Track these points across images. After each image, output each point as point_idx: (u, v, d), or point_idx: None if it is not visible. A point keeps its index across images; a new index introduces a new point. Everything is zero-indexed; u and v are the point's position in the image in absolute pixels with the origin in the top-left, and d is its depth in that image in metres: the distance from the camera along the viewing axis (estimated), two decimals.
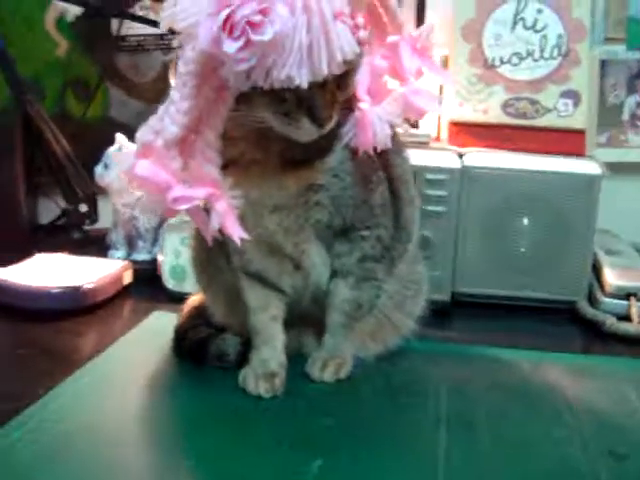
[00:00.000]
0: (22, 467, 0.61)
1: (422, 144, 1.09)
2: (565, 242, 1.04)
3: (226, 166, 0.67)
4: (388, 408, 0.75)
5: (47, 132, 1.30)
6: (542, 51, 1.14)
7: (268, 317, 0.79)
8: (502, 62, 1.14)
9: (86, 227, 1.35)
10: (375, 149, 0.72)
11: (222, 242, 0.70)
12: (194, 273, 0.88)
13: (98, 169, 1.20)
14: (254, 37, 0.56)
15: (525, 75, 1.14)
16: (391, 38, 0.71)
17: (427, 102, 0.72)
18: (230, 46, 0.57)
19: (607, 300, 1.02)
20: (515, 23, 1.14)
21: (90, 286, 1.01)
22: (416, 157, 0.91)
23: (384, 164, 0.78)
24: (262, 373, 0.76)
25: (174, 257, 1.08)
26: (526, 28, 1.14)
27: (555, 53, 1.13)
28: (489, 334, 0.98)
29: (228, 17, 0.56)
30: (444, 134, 1.19)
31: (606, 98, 1.29)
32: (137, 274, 1.14)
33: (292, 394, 0.76)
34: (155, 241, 1.20)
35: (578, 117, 1.13)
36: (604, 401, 0.78)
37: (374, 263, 0.79)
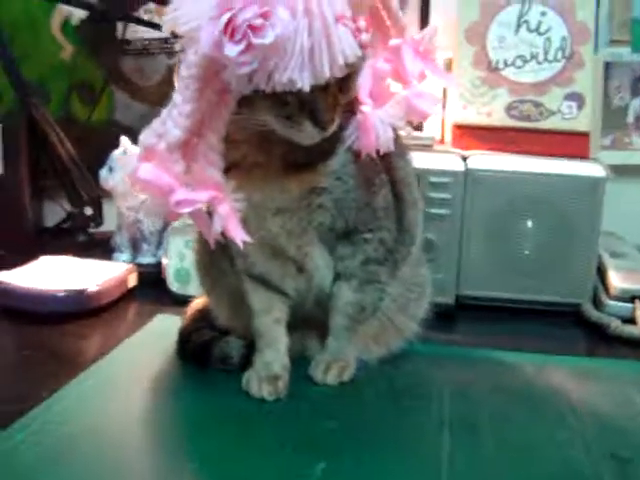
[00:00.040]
0: (25, 469, 0.61)
1: (426, 147, 1.09)
2: (569, 245, 1.04)
3: (228, 169, 0.67)
4: (391, 411, 0.75)
5: (52, 135, 1.31)
6: (546, 53, 1.13)
7: (271, 320, 0.79)
8: (506, 65, 1.14)
9: (91, 230, 1.36)
10: (378, 152, 0.72)
11: (225, 245, 0.70)
12: (198, 276, 0.89)
13: (103, 172, 1.20)
14: (255, 40, 0.56)
15: (529, 78, 1.14)
16: (394, 41, 0.71)
17: (430, 105, 0.72)
18: (232, 50, 0.57)
19: (612, 303, 1.02)
20: (519, 26, 1.14)
21: (95, 289, 1.02)
22: (420, 160, 0.91)
23: (387, 167, 0.78)
24: (265, 376, 0.76)
25: (178, 260, 1.08)
26: (530, 31, 1.14)
27: (559, 55, 1.13)
28: (493, 337, 0.97)
29: (229, 21, 0.56)
30: (448, 137, 1.19)
31: (610, 100, 1.29)
32: (141, 277, 1.14)
33: (295, 397, 0.76)
34: (159, 244, 1.20)
35: (582, 120, 1.12)
36: (608, 404, 0.78)
37: (377, 266, 0.79)
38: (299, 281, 0.79)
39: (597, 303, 1.04)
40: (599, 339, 0.98)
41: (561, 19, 1.13)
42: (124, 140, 1.19)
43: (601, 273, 1.08)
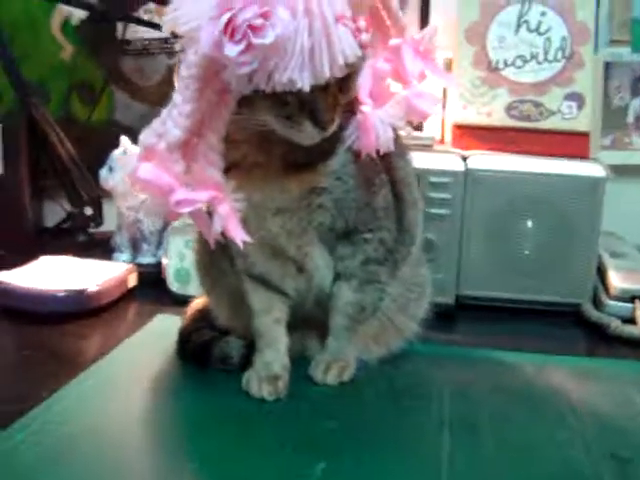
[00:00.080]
0: (25, 469, 0.61)
1: (426, 147, 1.09)
2: (569, 245, 1.04)
3: (228, 169, 0.67)
4: (391, 411, 0.75)
5: (52, 135, 1.31)
6: (546, 54, 1.13)
7: (271, 320, 0.79)
8: (506, 65, 1.14)
9: (91, 230, 1.36)
10: (378, 152, 0.71)
11: (225, 245, 0.70)
12: (198, 276, 0.89)
13: (103, 172, 1.20)
14: (255, 40, 0.56)
15: (529, 78, 1.14)
16: (393, 41, 0.71)
17: (430, 105, 0.72)
18: (232, 50, 0.57)
19: (612, 303, 1.02)
20: (519, 26, 1.14)
21: (95, 289, 1.02)
22: (420, 160, 0.91)
23: (387, 167, 0.78)
24: (265, 376, 0.76)
25: (178, 260, 1.08)
26: (530, 31, 1.14)
27: (559, 55, 1.13)
28: (493, 337, 0.97)
29: (229, 21, 0.56)
30: (448, 137, 1.19)
31: (610, 100, 1.29)
32: (141, 277, 1.14)
33: (295, 397, 0.76)
34: (159, 244, 1.20)
35: (582, 119, 1.12)
36: (608, 404, 0.78)
37: (377, 266, 0.79)
38: (299, 281, 0.79)
39: (597, 303, 1.04)
40: (599, 339, 0.98)
41: (561, 19, 1.13)
42: (124, 140, 1.19)
43: (601, 273, 1.08)
